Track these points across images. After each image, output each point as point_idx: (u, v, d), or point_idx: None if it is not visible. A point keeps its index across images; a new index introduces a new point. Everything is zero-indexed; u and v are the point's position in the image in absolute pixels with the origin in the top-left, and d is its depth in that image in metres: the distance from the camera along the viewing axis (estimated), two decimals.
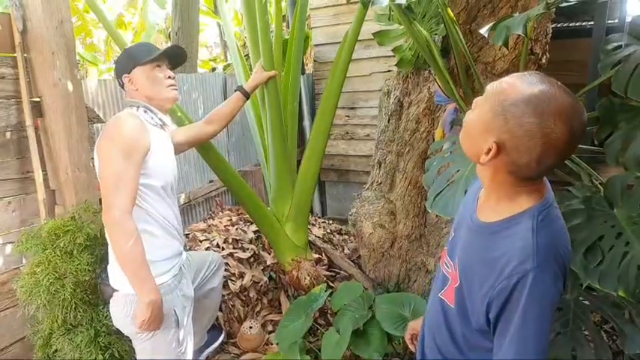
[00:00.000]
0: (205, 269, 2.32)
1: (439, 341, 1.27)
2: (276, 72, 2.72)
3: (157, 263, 1.78)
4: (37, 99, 2.32)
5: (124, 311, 1.78)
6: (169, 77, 1.94)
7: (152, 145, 1.77)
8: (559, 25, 5.00)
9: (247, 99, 2.53)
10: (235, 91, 2.51)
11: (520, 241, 1.01)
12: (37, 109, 2.32)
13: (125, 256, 1.65)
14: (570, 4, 1.64)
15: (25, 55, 2.26)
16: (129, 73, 1.90)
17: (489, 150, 1.00)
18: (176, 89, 1.97)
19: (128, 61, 1.91)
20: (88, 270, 2.06)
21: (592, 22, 4.35)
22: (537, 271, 0.97)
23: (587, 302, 1.95)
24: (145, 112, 1.88)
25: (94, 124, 2.63)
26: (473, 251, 1.14)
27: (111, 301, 1.85)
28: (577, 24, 5.15)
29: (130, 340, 1.92)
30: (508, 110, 0.96)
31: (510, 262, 1.00)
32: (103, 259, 2.15)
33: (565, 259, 1.02)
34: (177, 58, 2.03)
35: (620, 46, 1.99)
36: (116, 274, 1.80)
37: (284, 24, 5.32)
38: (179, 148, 2.17)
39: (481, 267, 1.08)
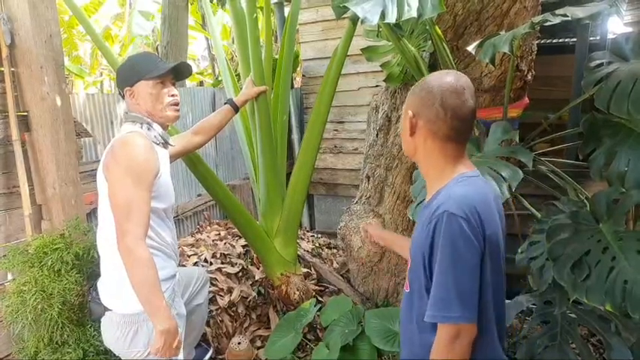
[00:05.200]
0: (192, 285, 2.30)
1: (405, 331, 1.36)
2: (266, 87, 2.73)
3: None
4: (25, 113, 2.30)
5: (119, 332, 1.74)
6: (172, 95, 1.87)
7: (160, 167, 1.75)
8: (543, 42, 5.09)
9: (236, 112, 2.53)
10: (225, 103, 2.51)
11: (438, 198, 1.20)
12: (24, 124, 2.30)
13: (139, 283, 1.62)
14: (554, 23, 1.67)
15: (12, 68, 2.25)
16: (131, 86, 1.82)
17: (410, 122, 1.25)
18: (178, 108, 1.91)
19: (131, 73, 1.83)
20: (78, 289, 2.03)
21: (575, 39, 4.44)
22: (448, 213, 1.11)
23: (574, 315, 1.97)
24: (149, 129, 1.83)
25: (82, 139, 2.62)
26: (415, 232, 1.31)
27: (103, 320, 1.81)
28: (560, 40, 5.25)
29: None
30: (412, 91, 1.28)
31: (431, 211, 1.17)
32: (91, 278, 2.13)
33: (483, 216, 1.13)
34: (182, 74, 1.97)
35: (602, 64, 2.04)
36: (110, 293, 1.77)
37: (273, 38, 5.34)
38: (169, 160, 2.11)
39: (417, 237, 1.24)
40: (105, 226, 1.76)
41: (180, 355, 1.94)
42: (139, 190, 1.64)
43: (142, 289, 1.62)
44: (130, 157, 1.66)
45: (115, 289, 1.73)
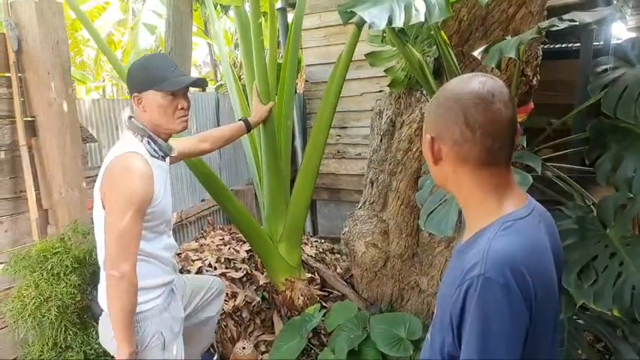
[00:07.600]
0: (203, 294, 2.24)
1: None
2: (272, 103, 2.74)
3: (148, 290, 1.77)
4: (31, 118, 2.31)
5: (111, 332, 1.73)
6: (182, 108, 1.77)
7: (156, 190, 1.72)
8: (546, 46, 5.10)
9: (248, 132, 2.56)
10: (239, 120, 2.53)
11: (477, 247, 0.94)
12: (31, 129, 2.31)
13: (123, 310, 1.64)
14: (560, 28, 1.68)
15: (19, 74, 2.26)
16: (139, 93, 1.71)
17: (432, 149, 1.01)
18: (186, 121, 1.82)
19: (143, 77, 1.71)
20: (76, 292, 2.03)
21: (579, 44, 4.45)
22: (484, 278, 0.88)
23: (580, 321, 1.97)
24: (149, 142, 1.75)
25: (88, 144, 2.62)
26: (446, 276, 1.08)
27: (99, 320, 1.83)
28: (564, 45, 5.26)
29: None
30: (428, 108, 1.05)
31: (463, 270, 0.93)
32: (92, 281, 2.13)
33: (533, 275, 0.90)
34: (195, 84, 1.87)
35: (608, 69, 2.05)
36: (103, 294, 1.76)
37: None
38: (171, 160, 2.04)
39: (447, 288, 1.00)
40: (100, 235, 1.75)
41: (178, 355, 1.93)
42: (135, 220, 1.63)
43: (124, 315, 1.64)
44: (131, 189, 1.63)
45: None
